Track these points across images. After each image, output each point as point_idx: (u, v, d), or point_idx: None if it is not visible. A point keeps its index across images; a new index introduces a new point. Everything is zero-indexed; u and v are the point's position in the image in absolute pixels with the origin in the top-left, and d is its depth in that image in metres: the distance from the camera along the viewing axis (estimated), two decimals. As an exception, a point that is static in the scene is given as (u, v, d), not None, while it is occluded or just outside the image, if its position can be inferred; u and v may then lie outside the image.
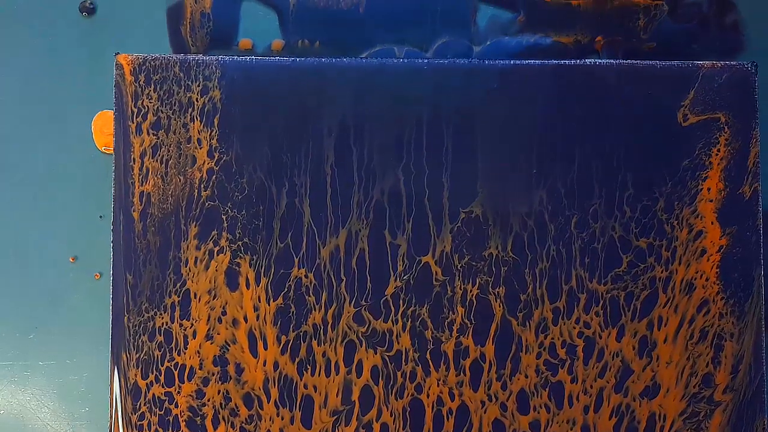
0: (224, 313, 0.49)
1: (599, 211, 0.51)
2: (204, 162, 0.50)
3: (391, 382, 0.50)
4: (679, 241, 0.52)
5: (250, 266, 0.50)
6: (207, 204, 0.50)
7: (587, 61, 0.52)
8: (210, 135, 0.50)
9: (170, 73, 0.51)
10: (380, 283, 0.50)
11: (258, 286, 0.50)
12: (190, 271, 0.50)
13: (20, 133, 0.59)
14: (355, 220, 0.50)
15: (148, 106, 0.50)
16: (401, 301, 0.50)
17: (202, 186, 0.50)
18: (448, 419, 0.50)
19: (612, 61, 0.53)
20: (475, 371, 0.50)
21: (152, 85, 0.51)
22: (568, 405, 0.50)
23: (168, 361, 0.49)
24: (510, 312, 0.51)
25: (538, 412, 0.50)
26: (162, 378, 0.49)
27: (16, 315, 0.57)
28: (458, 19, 0.62)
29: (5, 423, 0.57)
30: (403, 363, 0.50)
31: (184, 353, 0.49)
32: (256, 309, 0.50)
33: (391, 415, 0.50)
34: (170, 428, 0.49)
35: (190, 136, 0.50)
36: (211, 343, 0.49)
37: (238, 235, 0.50)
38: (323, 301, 0.50)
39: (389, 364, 0.50)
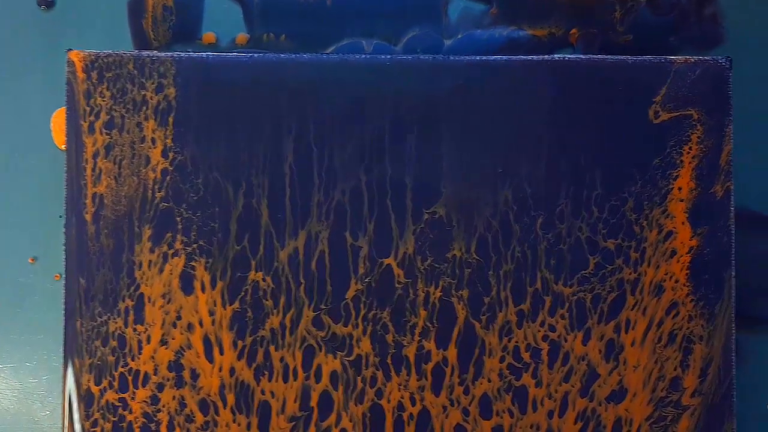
0: (179, 318, 0.48)
1: (566, 212, 0.50)
2: (158, 162, 0.49)
3: (351, 388, 0.49)
4: (648, 242, 0.50)
5: (206, 269, 0.49)
6: (161, 205, 0.49)
7: (555, 56, 0.51)
8: (165, 134, 0.49)
9: (124, 71, 0.49)
10: (341, 286, 0.49)
11: (214, 290, 0.49)
12: (144, 274, 0.48)
13: (-24, 130, 0.57)
14: (315, 221, 0.49)
15: (101, 105, 0.49)
16: (362, 305, 0.49)
17: (157, 187, 0.49)
18: (409, 425, 0.49)
19: (581, 56, 0.51)
20: (437, 376, 0.49)
21: (105, 83, 0.49)
22: (532, 410, 0.49)
23: (122, 367, 0.48)
24: (473, 315, 0.49)
25: (502, 417, 0.49)
26: (116, 384, 0.48)
27: (-27, 316, 0.56)
28: (429, 12, 0.60)
29: (-36, 426, 0.56)
30: (364, 368, 0.49)
31: (139, 358, 0.48)
32: (211, 313, 0.48)
33: (350, 421, 0.49)
34: (124, 435, 0.48)
35: (144, 136, 0.49)
36: (166, 348, 0.48)
37: (193, 237, 0.49)
38: (281, 305, 0.49)
39: (349, 369, 0.49)
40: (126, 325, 0.48)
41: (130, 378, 0.48)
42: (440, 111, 0.50)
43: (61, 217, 0.55)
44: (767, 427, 0.60)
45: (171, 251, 0.49)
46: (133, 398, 0.48)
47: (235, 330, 0.48)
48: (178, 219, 0.49)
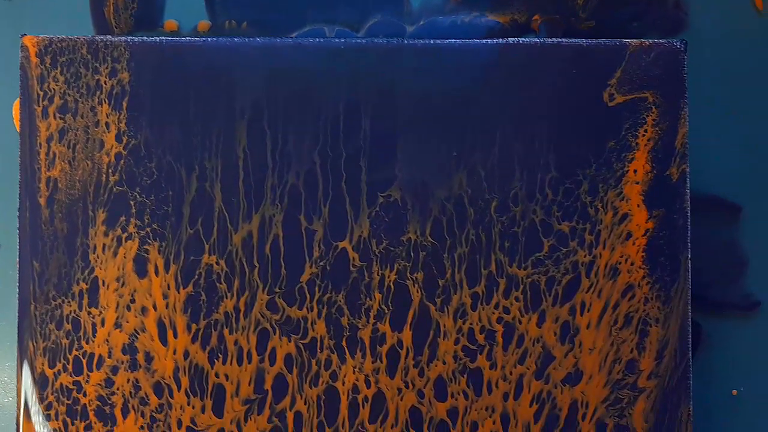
0: (133, 301, 0.48)
1: (520, 195, 0.50)
2: (112, 146, 0.49)
3: (306, 370, 0.49)
4: (603, 224, 0.50)
5: (159, 253, 0.49)
6: (115, 189, 0.49)
7: (510, 39, 0.51)
8: (118, 118, 0.49)
9: (77, 55, 0.49)
10: (295, 270, 0.49)
11: (167, 274, 0.49)
12: (98, 258, 0.49)
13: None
14: (269, 204, 0.49)
15: (54, 90, 0.49)
16: (317, 288, 0.49)
17: (110, 171, 0.49)
18: (363, 407, 0.49)
19: (536, 39, 0.51)
20: (392, 358, 0.49)
21: (59, 68, 0.49)
22: (487, 392, 0.49)
23: (76, 350, 0.48)
24: (428, 297, 0.49)
25: (456, 399, 0.49)
26: (70, 367, 0.48)
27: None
28: (392, -2, 0.60)
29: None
30: (318, 351, 0.49)
31: (93, 342, 0.48)
32: (165, 297, 0.49)
33: (305, 404, 0.49)
34: (78, 418, 0.48)
35: (98, 120, 0.49)
36: (120, 332, 0.48)
37: (146, 221, 0.49)
38: (235, 289, 0.49)
39: (304, 352, 0.49)
40: (80, 308, 0.48)
41: (84, 361, 0.48)
42: (395, 95, 0.50)
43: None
44: (733, 412, 0.60)
45: (125, 235, 0.49)
46: (87, 381, 0.48)
47: (189, 313, 0.49)
48: (132, 203, 0.49)
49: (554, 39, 0.51)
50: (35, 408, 0.48)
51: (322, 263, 0.49)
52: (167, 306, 0.49)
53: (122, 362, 0.48)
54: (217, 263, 0.49)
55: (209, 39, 0.50)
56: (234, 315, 0.49)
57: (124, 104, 0.49)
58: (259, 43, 0.50)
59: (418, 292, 0.49)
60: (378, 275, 0.49)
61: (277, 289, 0.49)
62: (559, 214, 0.50)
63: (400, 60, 0.50)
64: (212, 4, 0.59)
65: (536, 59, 0.50)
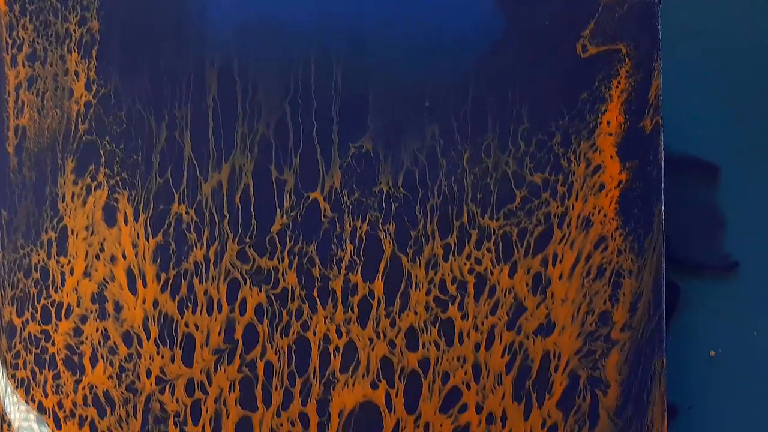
0: (102, 250, 0.48)
1: (492, 146, 0.50)
2: (81, 95, 0.49)
3: (276, 320, 0.49)
4: (576, 176, 0.50)
5: (129, 202, 0.48)
6: (84, 138, 0.49)
7: (483, -10, 0.51)
8: (88, 67, 0.49)
9: (47, 3, 0.49)
10: (266, 220, 0.49)
11: (137, 223, 0.48)
12: (67, 206, 0.48)
13: None
14: (239, 154, 0.49)
15: (23, 38, 0.49)
16: (288, 239, 0.49)
17: (80, 119, 0.49)
18: (335, 357, 0.49)
19: (509, -10, 0.51)
20: (364, 308, 0.49)
21: (28, 16, 0.49)
22: (459, 342, 0.49)
23: (44, 299, 0.48)
24: (400, 248, 0.49)
25: (428, 350, 0.49)
26: (38, 316, 0.48)
27: None
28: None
29: None
30: (289, 301, 0.49)
31: (62, 290, 0.48)
32: (134, 246, 0.48)
33: (275, 353, 0.48)
34: (47, 367, 0.48)
35: (68, 68, 0.49)
36: (89, 281, 0.48)
37: (116, 169, 0.48)
38: (205, 239, 0.49)
39: (274, 302, 0.49)
40: (49, 257, 0.48)
41: (52, 310, 0.48)
42: (367, 44, 0.50)
43: None
44: (710, 373, 0.60)
45: (94, 184, 0.48)
46: (55, 330, 0.48)
47: (158, 262, 0.48)
48: (102, 151, 0.49)
49: (527, -10, 0.51)
50: (2, 357, 0.48)
51: (293, 214, 0.49)
52: (136, 255, 0.48)
53: (91, 311, 0.48)
54: (187, 213, 0.48)
55: (180, -12, 0.49)
56: (204, 265, 0.48)
57: (94, 53, 0.49)
58: (231, -8, 0.49)
59: (389, 243, 0.49)
60: (350, 226, 0.49)
61: (248, 239, 0.49)
62: (531, 166, 0.50)
63: (372, 10, 0.50)
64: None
65: (510, 10, 0.50)
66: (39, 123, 0.49)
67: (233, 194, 0.49)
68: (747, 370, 0.60)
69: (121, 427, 0.48)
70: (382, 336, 0.49)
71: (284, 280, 0.49)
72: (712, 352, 0.60)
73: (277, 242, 0.49)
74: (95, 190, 0.48)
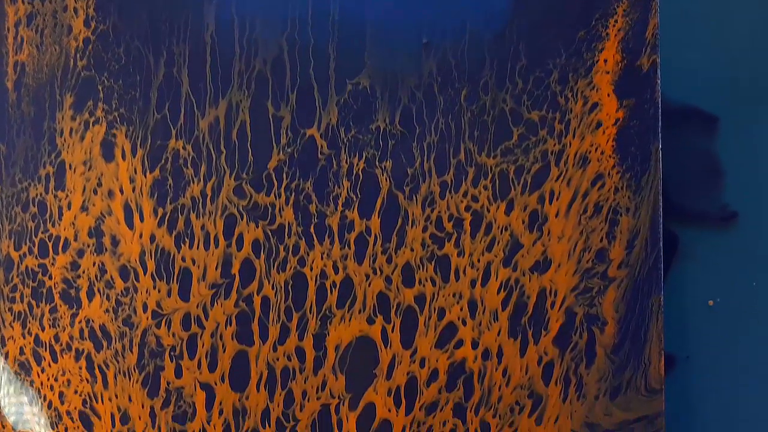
0: (100, 185, 0.48)
1: (490, 83, 0.50)
2: (80, 31, 0.49)
3: (273, 256, 0.49)
4: (573, 113, 0.50)
5: (127, 137, 0.49)
6: (83, 74, 0.49)
7: (480, -71, 0.51)
8: (87, 4, 0.49)
9: (45, -59, 0.49)
10: (262, 156, 0.49)
11: (134, 158, 0.48)
12: (65, 141, 0.48)
13: None
14: (236, 90, 0.49)
15: (22, -26, 0.49)
16: (284, 175, 0.49)
17: (78, 56, 0.49)
18: (331, 292, 0.49)
19: (507, -70, 0.51)
20: (360, 245, 0.49)
21: (26, -47, 0.49)
22: (455, 278, 0.49)
23: (42, 233, 0.48)
24: (397, 186, 0.49)
25: (424, 286, 0.49)
26: (36, 249, 0.48)
27: None
28: None
29: None
30: (286, 237, 0.49)
31: (59, 225, 0.48)
32: (132, 181, 0.48)
33: (272, 288, 0.48)
34: (44, 300, 0.48)
35: (66, 5, 0.49)
36: (87, 215, 0.48)
37: (114, 105, 0.49)
38: (202, 174, 0.49)
39: (271, 238, 0.49)
40: (46, 191, 0.48)
41: (50, 244, 0.48)
42: (364, -17, 0.50)
43: None
44: (708, 322, 0.60)
45: (92, 119, 0.49)
46: (53, 264, 0.48)
47: (156, 197, 0.48)
48: (100, 87, 0.49)
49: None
50: None
51: (289, 150, 0.49)
52: (134, 190, 0.48)
53: (88, 245, 0.48)
54: (184, 148, 0.49)
55: (178, -74, 0.49)
56: (201, 200, 0.49)
57: (92, -11, 0.49)
58: (228, -70, 0.50)
59: (386, 180, 0.49)
60: (346, 163, 0.49)
61: (245, 175, 0.49)
62: (528, 103, 0.50)
63: (370, -51, 0.50)
64: None
65: (506, -51, 0.50)
66: (38, 59, 0.49)
67: (230, 130, 0.49)
68: (745, 320, 0.60)
69: (117, 361, 0.48)
70: (378, 272, 0.49)
71: (281, 217, 0.49)
72: (711, 302, 0.60)
73: (274, 178, 0.49)
74: (93, 125, 0.49)
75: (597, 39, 0.50)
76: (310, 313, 0.48)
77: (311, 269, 0.49)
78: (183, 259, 0.48)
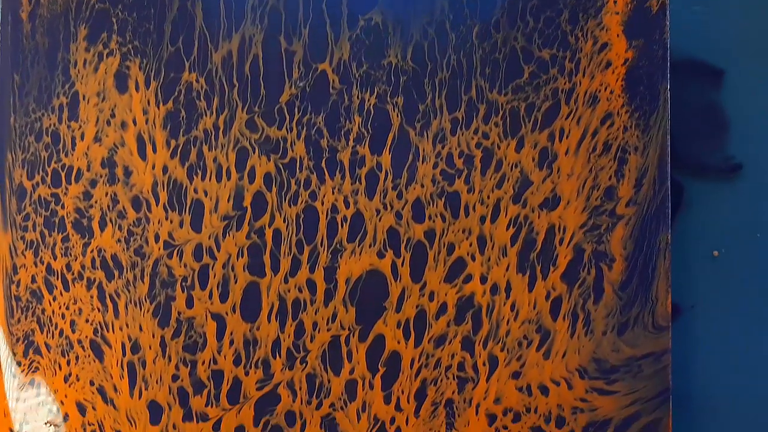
0: (113, 116, 0.49)
1: (502, 22, 0.50)
2: (94, -37, 0.49)
3: (285, 189, 0.49)
4: (583, 52, 0.50)
5: (140, 69, 0.49)
6: (97, 6, 0.49)
7: None
8: (101, -64, 0.49)
9: None
10: (274, 90, 0.49)
11: (148, 90, 0.49)
12: (79, 72, 0.49)
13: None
14: (249, 24, 0.49)
15: None
16: (296, 109, 0.49)
17: (92, -13, 0.49)
18: (342, 226, 0.49)
19: None
20: (371, 180, 0.49)
21: None
22: (465, 215, 0.49)
23: (55, 162, 0.48)
24: (408, 122, 0.50)
25: (434, 221, 0.49)
26: (48, 179, 0.48)
27: None
28: None
29: None
30: (298, 170, 0.49)
31: (72, 155, 0.48)
32: (145, 112, 0.49)
33: (284, 221, 0.49)
34: (56, 229, 0.48)
35: (81, -62, 0.49)
36: (100, 146, 0.48)
37: (128, 37, 0.49)
38: (215, 107, 0.49)
39: (283, 172, 0.49)
40: (60, 121, 0.49)
41: (62, 174, 0.48)
42: None
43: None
44: (713, 273, 0.61)
45: (106, 51, 0.49)
46: (65, 193, 0.48)
47: (168, 129, 0.49)
48: (114, 20, 0.49)
49: None
50: (12, 219, 0.48)
51: (301, 84, 0.49)
52: (147, 122, 0.49)
53: (101, 176, 0.48)
54: (197, 81, 0.49)
55: None
56: (213, 132, 0.49)
57: None
58: None
59: (398, 116, 0.50)
60: (358, 98, 0.50)
61: (257, 109, 0.49)
62: (539, 42, 0.50)
63: None
64: None
65: None
66: (51, -10, 0.49)
67: (243, 64, 0.49)
68: (749, 271, 0.60)
69: (129, 291, 0.48)
70: (389, 207, 0.49)
71: (293, 150, 0.49)
72: (716, 252, 0.61)
73: (286, 112, 0.49)
74: (107, 57, 0.49)
75: (607, -20, 0.51)
76: (321, 246, 0.49)
77: (322, 203, 0.49)
78: (195, 191, 0.49)
